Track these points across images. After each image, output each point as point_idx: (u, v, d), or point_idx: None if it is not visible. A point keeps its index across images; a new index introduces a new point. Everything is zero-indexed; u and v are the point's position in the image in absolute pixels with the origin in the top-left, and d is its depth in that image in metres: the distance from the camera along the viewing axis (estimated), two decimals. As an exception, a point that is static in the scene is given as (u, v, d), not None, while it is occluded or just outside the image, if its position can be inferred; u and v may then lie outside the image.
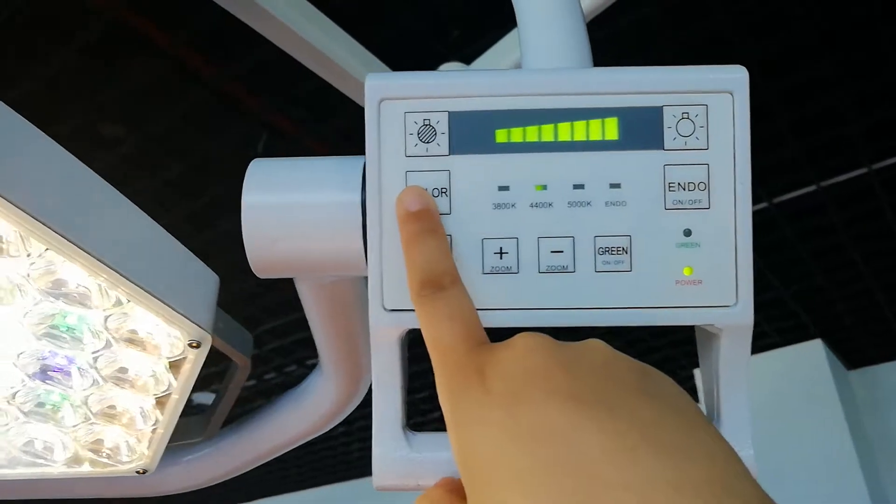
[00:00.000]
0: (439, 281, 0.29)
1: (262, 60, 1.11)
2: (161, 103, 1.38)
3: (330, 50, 0.79)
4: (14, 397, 0.46)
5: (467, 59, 1.01)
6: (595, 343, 0.27)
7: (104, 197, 0.41)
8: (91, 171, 0.41)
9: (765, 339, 3.06)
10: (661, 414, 0.23)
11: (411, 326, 0.31)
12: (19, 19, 0.95)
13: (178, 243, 0.43)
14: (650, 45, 1.19)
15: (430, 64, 1.06)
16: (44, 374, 0.45)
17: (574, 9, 0.38)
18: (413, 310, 0.30)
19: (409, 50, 1.04)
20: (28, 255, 0.39)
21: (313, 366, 0.48)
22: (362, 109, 0.32)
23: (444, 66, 1.12)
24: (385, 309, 0.31)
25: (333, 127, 1.38)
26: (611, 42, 1.20)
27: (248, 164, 0.35)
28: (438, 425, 0.30)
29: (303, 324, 0.43)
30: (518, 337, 0.27)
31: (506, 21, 0.85)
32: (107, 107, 1.33)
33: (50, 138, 0.39)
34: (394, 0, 0.99)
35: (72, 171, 0.39)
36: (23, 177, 0.36)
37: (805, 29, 1.24)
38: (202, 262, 0.44)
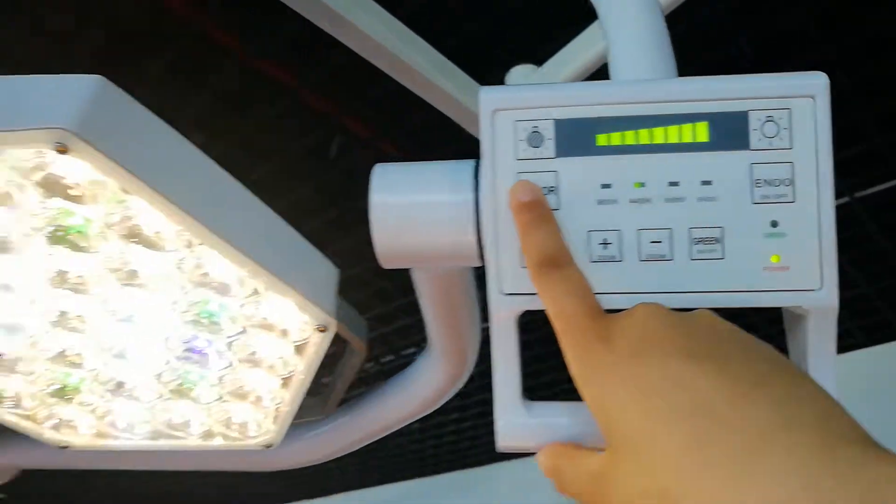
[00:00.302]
0: (556, 260, 0.33)
1: (337, 65, 1.17)
2: (242, 110, 1.46)
3: (406, 55, 0.84)
4: (160, 377, 0.53)
5: (533, 62, 1.04)
6: (703, 311, 0.30)
7: (241, 197, 0.46)
8: (229, 174, 0.46)
9: (849, 338, 2.95)
10: (766, 366, 0.27)
11: (526, 308, 0.35)
12: (106, 36, 1.03)
13: (303, 238, 0.49)
14: (726, 40, 1.20)
15: (498, 68, 1.09)
16: (186, 356, 0.51)
17: (658, 19, 0.41)
18: (527, 293, 0.34)
19: (475, 53, 1.08)
20: (178, 250, 0.45)
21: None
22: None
23: (516, 70, 1.15)
24: (503, 293, 0.35)
25: (405, 129, 1.44)
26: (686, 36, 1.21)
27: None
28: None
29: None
30: (637, 306, 0.31)
31: (571, 23, 0.88)
32: (193, 116, 1.41)
33: (196, 148, 0.45)
34: (459, 6, 1.03)
35: (215, 175, 0.45)
36: (179, 180, 0.41)
37: (888, 21, 1.22)
38: (323, 255, 0.49)
